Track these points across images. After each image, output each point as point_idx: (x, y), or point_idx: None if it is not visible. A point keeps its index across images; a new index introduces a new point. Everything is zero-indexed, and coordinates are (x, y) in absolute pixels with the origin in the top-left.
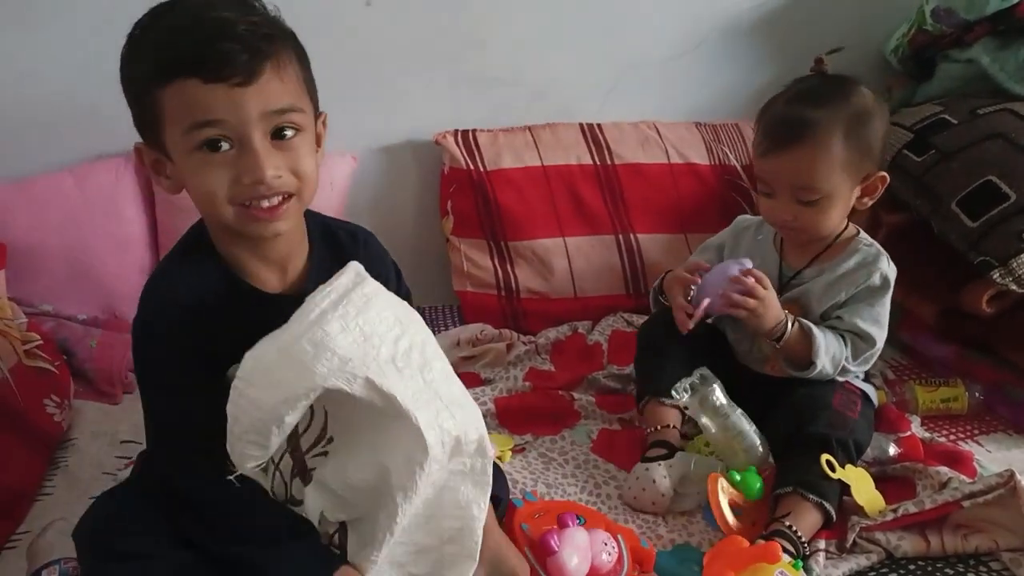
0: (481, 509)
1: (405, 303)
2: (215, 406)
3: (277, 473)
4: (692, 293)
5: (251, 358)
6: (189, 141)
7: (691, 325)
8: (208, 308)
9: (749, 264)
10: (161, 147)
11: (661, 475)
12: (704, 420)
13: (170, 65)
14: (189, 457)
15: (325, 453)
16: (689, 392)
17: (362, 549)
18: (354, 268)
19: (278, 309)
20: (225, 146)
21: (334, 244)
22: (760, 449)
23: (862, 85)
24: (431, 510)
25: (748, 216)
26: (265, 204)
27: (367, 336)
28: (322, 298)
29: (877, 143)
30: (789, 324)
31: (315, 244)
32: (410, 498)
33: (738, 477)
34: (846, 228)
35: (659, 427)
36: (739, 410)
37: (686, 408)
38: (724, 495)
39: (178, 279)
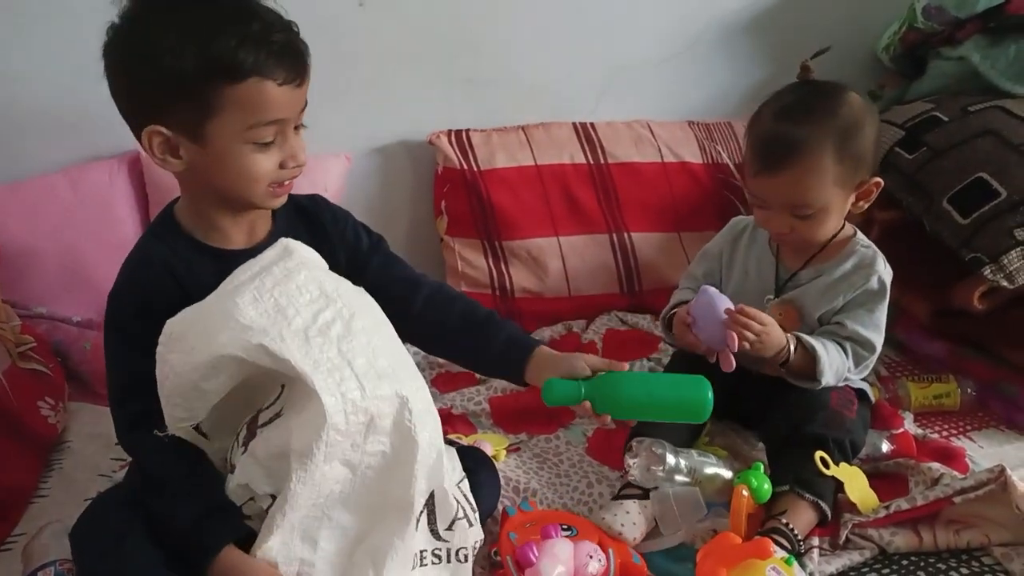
0: (412, 489)
1: (342, 280)
2: None
3: (236, 441)
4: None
5: (169, 325)
6: (249, 134)
7: (732, 366)
8: (178, 272)
9: (727, 303)
10: (190, 130)
11: (625, 511)
12: (661, 483)
13: (245, 66)
14: (144, 415)
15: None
16: (638, 468)
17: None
18: (281, 244)
19: (242, 262)
20: (273, 139)
21: (296, 207)
22: (729, 477)
23: (850, 91)
24: (347, 488)
25: (743, 217)
26: (286, 183)
27: (281, 307)
28: (244, 270)
29: (869, 151)
30: (792, 348)
31: (279, 208)
32: (307, 466)
33: (755, 483)
34: (842, 228)
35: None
36: (694, 452)
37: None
38: (747, 510)
39: (151, 250)
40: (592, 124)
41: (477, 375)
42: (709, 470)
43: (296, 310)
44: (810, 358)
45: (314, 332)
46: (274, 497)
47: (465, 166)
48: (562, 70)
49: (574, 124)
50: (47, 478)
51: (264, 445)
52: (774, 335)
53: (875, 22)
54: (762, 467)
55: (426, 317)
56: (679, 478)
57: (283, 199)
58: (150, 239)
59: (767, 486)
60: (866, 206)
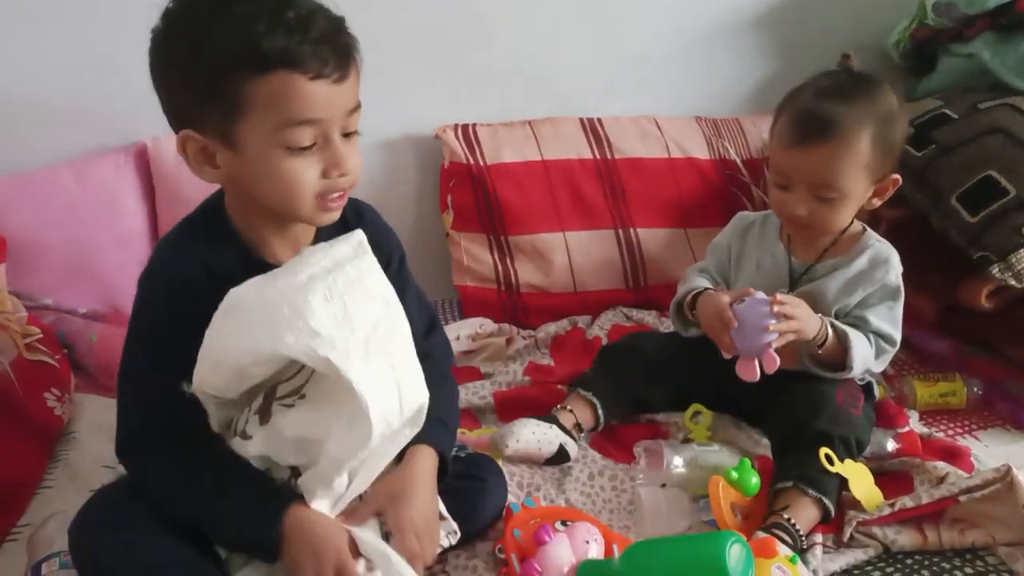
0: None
1: (391, 285)
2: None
3: (248, 408)
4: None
5: (234, 295)
6: (282, 136)
7: (755, 376)
8: (216, 277)
9: (762, 295)
10: (222, 134)
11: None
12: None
13: (270, 55)
14: (157, 411)
15: (292, 406)
16: (644, 472)
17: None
18: (356, 238)
19: None
20: (311, 143)
21: (340, 218)
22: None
23: (887, 85)
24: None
25: (748, 212)
26: (336, 195)
27: (348, 314)
28: (316, 261)
29: (898, 144)
30: (828, 328)
31: None
32: (332, 478)
33: (735, 475)
34: (851, 223)
35: (568, 409)
36: (695, 445)
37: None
38: (726, 499)
39: (191, 246)
40: (599, 119)
41: (481, 369)
42: (714, 459)
43: (360, 318)
44: (841, 344)
45: (373, 345)
46: (293, 469)
47: (471, 161)
48: (569, 65)
49: (581, 119)
50: (52, 469)
51: (294, 427)
52: (811, 318)
53: (884, 18)
54: (749, 462)
55: None
56: (676, 470)
57: (335, 215)
58: (192, 232)
59: (755, 480)
60: (879, 204)
